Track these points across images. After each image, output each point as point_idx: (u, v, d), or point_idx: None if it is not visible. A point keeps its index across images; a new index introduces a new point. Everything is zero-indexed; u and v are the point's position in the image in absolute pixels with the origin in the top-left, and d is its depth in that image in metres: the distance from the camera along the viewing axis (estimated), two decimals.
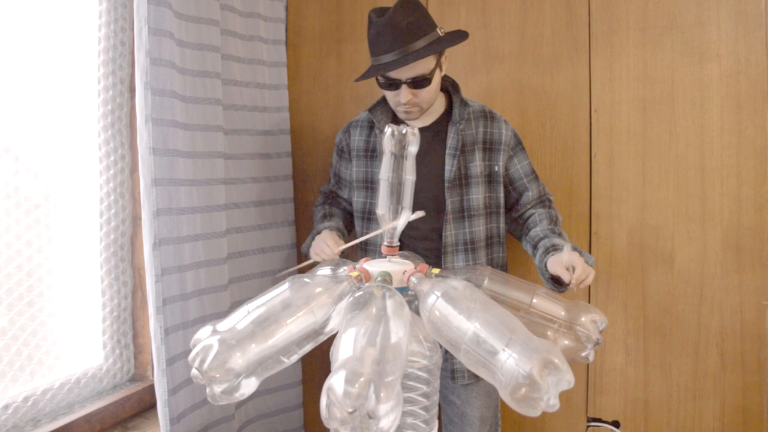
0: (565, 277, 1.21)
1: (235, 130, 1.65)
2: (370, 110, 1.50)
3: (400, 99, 1.35)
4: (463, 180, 1.44)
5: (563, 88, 1.73)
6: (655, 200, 1.67)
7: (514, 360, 0.77)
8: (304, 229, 1.94)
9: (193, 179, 1.45)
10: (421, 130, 1.43)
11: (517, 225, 1.55)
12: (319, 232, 1.46)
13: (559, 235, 1.41)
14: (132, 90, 1.56)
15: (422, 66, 1.32)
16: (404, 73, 1.31)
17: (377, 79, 1.36)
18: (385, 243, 1.07)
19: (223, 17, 1.59)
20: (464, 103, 1.47)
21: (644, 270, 1.69)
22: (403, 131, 1.04)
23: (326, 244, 1.36)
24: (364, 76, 1.36)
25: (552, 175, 1.75)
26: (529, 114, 1.77)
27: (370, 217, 1.50)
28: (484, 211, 1.46)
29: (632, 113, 1.68)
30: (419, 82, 1.33)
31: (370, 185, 1.50)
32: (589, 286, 1.73)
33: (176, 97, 1.39)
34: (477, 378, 1.48)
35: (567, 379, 0.77)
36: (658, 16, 1.65)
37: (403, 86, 1.33)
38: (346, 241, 1.43)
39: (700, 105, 1.62)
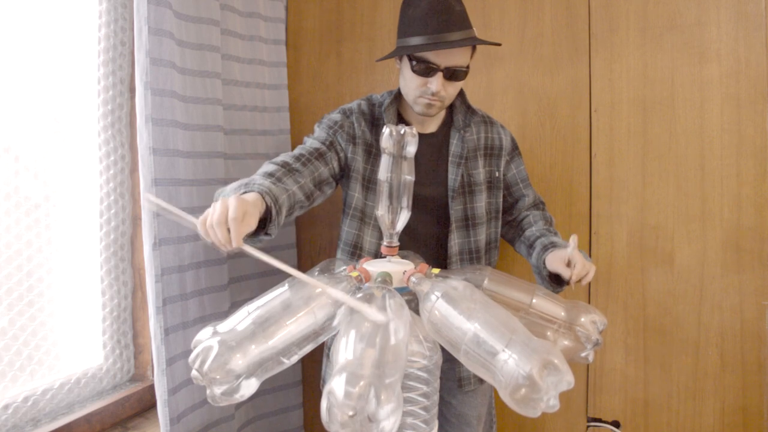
0: (566, 273, 1.18)
1: (235, 130, 1.65)
2: (385, 109, 1.39)
3: (431, 87, 1.27)
4: (466, 188, 1.41)
5: (563, 88, 1.73)
6: (655, 200, 1.67)
7: (514, 361, 0.77)
8: (304, 229, 1.94)
9: (193, 179, 1.45)
10: (426, 136, 1.41)
11: (510, 228, 1.53)
12: (245, 189, 1.04)
13: (555, 234, 1.40)
14: (132, 90, 1.56)
15: (463, 57, 1.28)
16: (446, 59, 1.25)
17: (411, 63, 1.28)
18: (385, 243, 1.07)
19: (223, 17, 1.59)
20: (471, 110, 1.44)
21: (644, 270, 1.69)
22: (402, 131, 1.03)
23: (225, 224, 0.91)
24: (418, 47, 1.24)
25: (552, 175, 1.75)
26: (529, 114, 1.77)
27: (363, 218, 1.39)
28: (486, 218, 1.44)
29: (632, 113, 1.68)
30: (456, 73, 1.28)
31: (366, 184, 1.39)
32: (589, 286, 1.73)
33: (176, 97, 1.39)
34: (482, 382, 1.48)
35: (567, 380, 0.77)
36: (658, 16, 1.65)
37: (439, 74, 1.27)
38: (263, 234, 1.05)
39: (700, 105, 1.62)
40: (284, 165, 1.23)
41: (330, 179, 1.33)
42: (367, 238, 1.38)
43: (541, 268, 1.31)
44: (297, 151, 1.31)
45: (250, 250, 0.92)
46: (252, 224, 0.95)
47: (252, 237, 1.06)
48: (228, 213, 0.91)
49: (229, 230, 0.91)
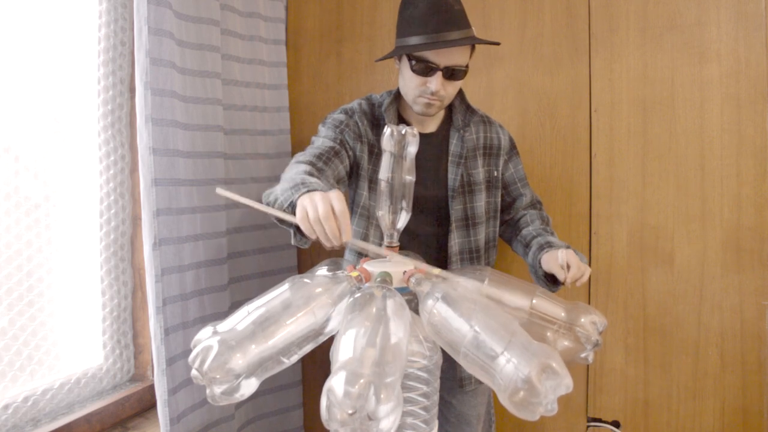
0: (560, 275, 1.19)
1: (235, 130, 1.65)
2: (385, 109, 1.40)
3: (430, 87, 1.27)
4: (466, 188, 1.41)
5: (563, 88, 1.73)
6: (655, 200, 1.67)
7: (513, 364, 0.77)
8: None
9: (193, 179, 1.45)
10: (426, 136, 1.41)
11: (507, 227, 1.53)
12: (312, 189, 1.00)
13: (551, 234, 1.40)
14: (132, 90, 1.56)
15: (462, 56, 1.28)
16: (445, 59, 1.25)
17: (410, 63, 1.28)
18: (385, 243, 1.07)
19: (223, 17, 1.59)
20: (470, 110, 1.45)
21: (644, 270, 1.69)
22: (403, 131, 1.04)
23: (336, 222, 0.93)
24: (417, 47, 1.24)
25: (552, 175, 1.75)
26: (529, 114, 1.77)
27: (369, 217, 1.40)
28: (485, 217, 1.44)
29: (632, 113, 1.68)
30: (455, 73, 1.28)
31: (370, 183, 1.40)
32: (589, 286, 1.73)
33: (176, 97, 1.39)
34: (481, 382, 1.48)
35: (565, 384, 0.76)
36: (658, 16, 1.65)
37: (438, 74, 1.27)
38: None
39: (700, 105, 1.62)
40: (312, 164, 1.23)
41: (345, 177, 1.35)
42: (371, 238, 1.39)
43: (537, 267, 1.31)
44: (315, 150, 1.30)
45: (359, 243, 0.99)
46: (349, 219, 0.96)
47: (303, 238, 1.08)
48: (334, 206, 0.93)
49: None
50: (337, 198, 0.95)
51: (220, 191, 1.02)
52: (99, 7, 1.49)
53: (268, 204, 1.08)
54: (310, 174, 1.16)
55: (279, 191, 1.08)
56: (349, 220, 0.95)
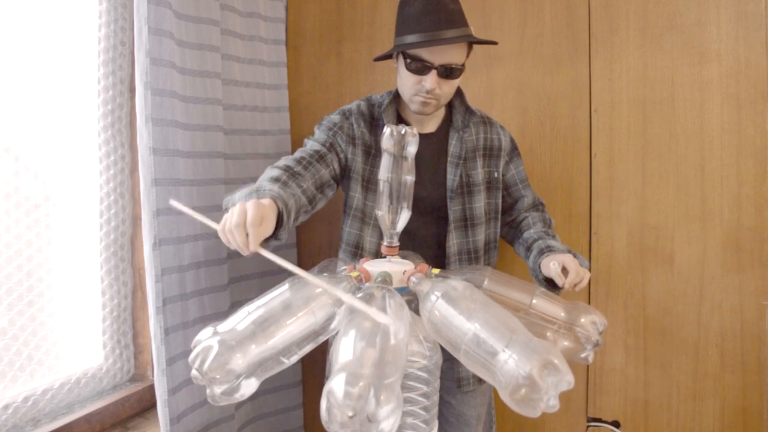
0: (559, 280, 1.20)
1: (235, 130, 1.65)
2: (384, 110, 1.40)
3: (425, 85, 1.27)
4: (465, 188, 1.41)
5: (563, 88, 1.73)
6: (655, 200, 1.67)
7: (514, 361, 0.77)
8: (303, 229, 1.94)
9: (193, 179, 1.45)
10: (425, 136, 1.40)
11: (509, 229, 1.53)
12: (256, 195, 1.04)
13: (553, 237, 1.40)
14: (132, 90, 1.56)
15: (457, 55, 1.28)
16: (440, 57, 1.25)
17: (405, 61, 1.28)
18: (385, 243, 1.07)
19: (223, 17, 1.59)
20: (469, 111, 1.44)
21: (644, 270, 1.69)
22: (402, 131, 1.04)
23: (244, 228, 0.93)
24: (411, 45, 1.25)
25: (552, 175, 1.75)
26: (529, 114, 1.77)
27: (363, 218, 1.40)
28: (485, 218, 1.44)
29: (632, 113, 1.68)
30: (450, 71, 1.28)
31: (366, 184, 1.39)
32: (589, 286, 1.73)
33: (176, 97, 1.39)
34: (481, 382, 1.48)
35: (567, 380, 0.77)
36: (658, 16, 1.65)
37: (433, 72, 1.27)
38: (281, 234, 1.05)
39: (700, 105, 1.62)
40: (287, 169, 1.23)
41: (331, 181, 1.34)
42: (368, 238, 1.39)
43: (537, 272, 1.32)
44: (298, 154, 1.32)
45: (266, 254, 0.93)
46: (269, 229, 0.97)
47: (263, 242, 1.06)
48: (246, 217, 0.93)
49: (247, 234, 0.93)
50: (252, 208, 0.94)
51: (174, 204, 1.02)
52: (99, 7, 1.49)
53: (226, 210, 1.07)
54: (278, 179, 1.16)
55: (237, 197, 1.08)
56: (257, 232, 0.94)
